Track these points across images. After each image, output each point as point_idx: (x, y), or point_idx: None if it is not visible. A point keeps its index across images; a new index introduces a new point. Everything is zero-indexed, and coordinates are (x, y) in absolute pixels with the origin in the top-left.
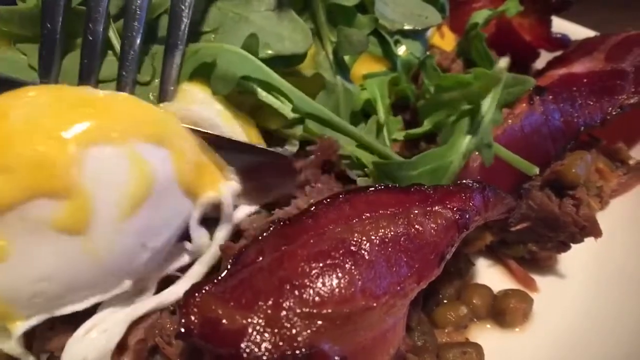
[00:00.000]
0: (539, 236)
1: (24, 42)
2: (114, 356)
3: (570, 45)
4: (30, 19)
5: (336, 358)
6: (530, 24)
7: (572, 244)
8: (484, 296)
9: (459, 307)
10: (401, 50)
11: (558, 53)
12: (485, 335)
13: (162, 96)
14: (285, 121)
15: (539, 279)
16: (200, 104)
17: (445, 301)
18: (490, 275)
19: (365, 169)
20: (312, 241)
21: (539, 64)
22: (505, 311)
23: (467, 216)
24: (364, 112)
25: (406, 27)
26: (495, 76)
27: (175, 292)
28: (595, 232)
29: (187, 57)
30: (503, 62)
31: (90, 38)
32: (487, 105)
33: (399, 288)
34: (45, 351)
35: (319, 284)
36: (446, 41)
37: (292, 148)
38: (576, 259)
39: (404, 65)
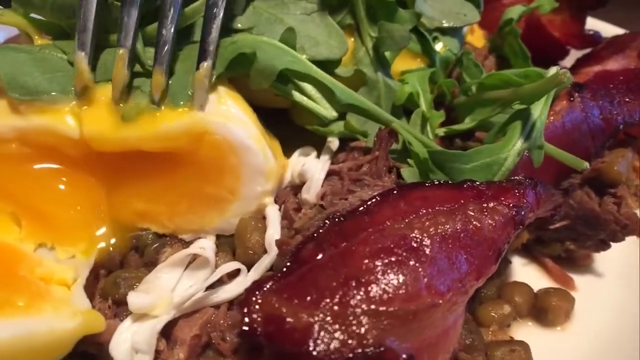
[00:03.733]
0: (577, 234)
1: (57, 35)
2: (167, 349)
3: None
4: (65, 8)
5: (404, 356)
6: (563, 20)
7: (612, 243)
8: (525, 294)
9: (502, 305)
10: (438, 47)
11: (585, 51)
12: (527, 333)
13: (202, 55)
14: (323, 120)
15: (575, 278)
16: (235, 122)
17: (487, 300)
18: (526, 274)
19: (409, 160)
20: (372, 237)
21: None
22: (547, 309)
23: (522, 212)
24: (404, 108)
25: (445, 25)
26: (559, 79)
27: (229, 290)
28: (638, 230)
29: (224, 47)
30: (556, 67)
31: None
32: (541, 107)
33: (460, 285)
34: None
35: (385, 281)
36: (475, 37)
37: (332, 146)
38: (612, 257)
39: (441, 62)
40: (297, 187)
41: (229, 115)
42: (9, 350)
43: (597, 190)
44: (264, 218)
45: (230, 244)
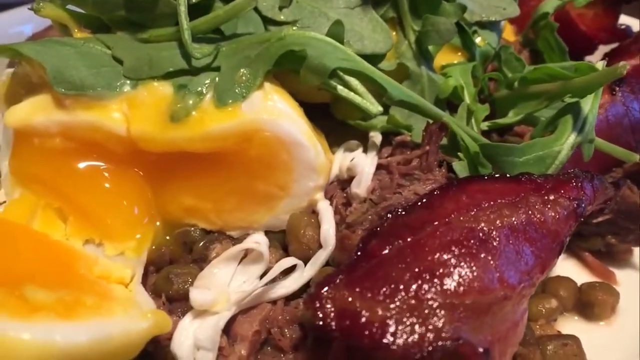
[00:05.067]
0: (619, 229)
1: (97, 29)
2: (228, 346)
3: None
4: (107, 1)
5: (480, 349)
6: (596, 14)
7: None
8: (570, 288)
9: (550, 299)
10: (477, 40)
11: (612, 45)
12: (573, 328)
13: None
14: (366, 114)
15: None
16: (284, 117)
17: (532, 294)
18: (566, 268)
19: (459, 154)
20: (440, 230)
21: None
22: (594, 304)
23: (582, 205)
24: (447, 102)
25: (484, 18)
26: (618, 71)
27: (286, 285)
28: None
29: (271, 43)
30: (603, 61)
31: None
32: (591, 100)
33: (528, 277)
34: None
35: (459, 274)
36: (506, 32)
37: (376, 140)
38: None
39: (481, 56)
40: (343, 182)
41: (277, 112)
42: (88, 354)
43: (639, 185)
44: (313, 213)
45: (279, 240)
